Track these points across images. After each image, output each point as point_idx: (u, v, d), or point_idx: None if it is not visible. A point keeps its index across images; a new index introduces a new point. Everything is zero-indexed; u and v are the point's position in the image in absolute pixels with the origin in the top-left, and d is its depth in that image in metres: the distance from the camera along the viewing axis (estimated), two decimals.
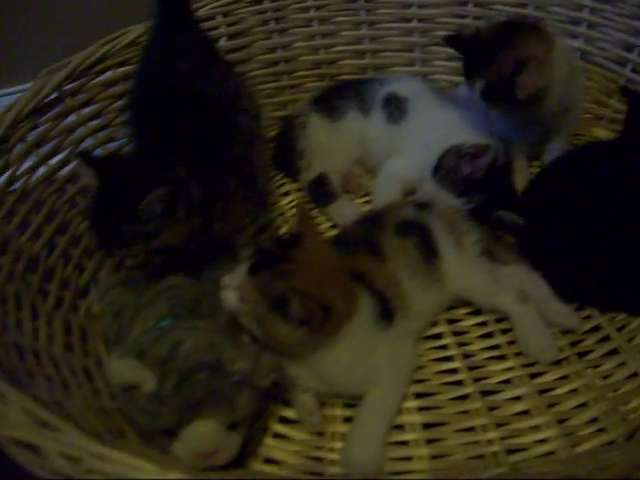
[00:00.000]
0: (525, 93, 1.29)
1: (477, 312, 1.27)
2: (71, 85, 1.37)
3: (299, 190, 1.60)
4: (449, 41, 1.42)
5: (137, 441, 1.00)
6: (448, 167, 1.37)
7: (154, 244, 1.10)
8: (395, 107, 1.54)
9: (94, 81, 1.41)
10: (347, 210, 1.47)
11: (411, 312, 1.14)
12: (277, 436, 1.11)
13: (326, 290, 0.97)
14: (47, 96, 1.32)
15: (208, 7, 1.60)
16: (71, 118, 1.38)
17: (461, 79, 1.71)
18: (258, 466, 1.07)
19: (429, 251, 1.20)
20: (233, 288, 0.99)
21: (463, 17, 1.74)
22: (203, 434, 0.93)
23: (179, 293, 1.15)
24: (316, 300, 0.94)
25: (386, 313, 1.08)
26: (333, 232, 1.47)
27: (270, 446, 1.09)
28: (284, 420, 1.13)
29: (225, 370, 0.94)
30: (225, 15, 1.63)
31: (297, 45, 1.74)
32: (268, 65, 1.72)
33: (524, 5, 1.71)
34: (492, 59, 1.30)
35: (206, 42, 1.40)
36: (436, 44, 1.78)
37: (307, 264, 0.98)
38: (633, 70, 1.68)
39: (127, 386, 0.94)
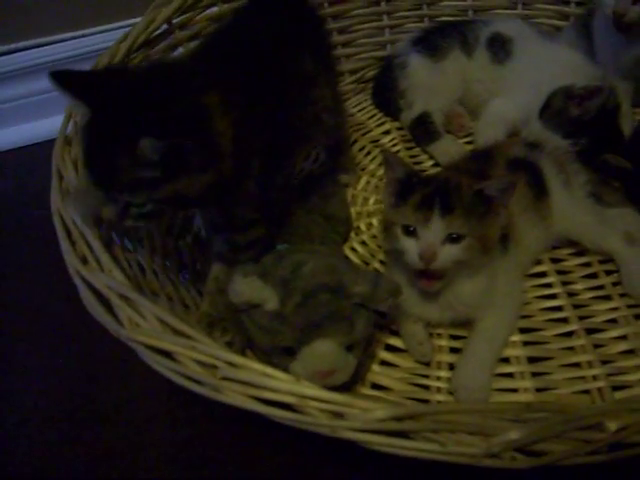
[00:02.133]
0: None
1: (581, 253, 1.27)
2: (179, 18, 1.39)
3: (399, 129, 1.60)
4: None
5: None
6: (557, 108, 1.37)
7: (163, 192, 0.90)
8: (500, 47, 1.53)
9: (201, 15, 1.44)
10: (451, 148, 1.47)
11: (521, 245, 1.15)
12: (384, 363, 1.13)
13: None
14: (158, 28, 1.34)
15: None
16: (179, 50, 1.40)
17: (562, 23, 1.70)
18: (366, 391, 1.09)
19: (539, 189, 1.20)
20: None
21: None
22: (323, 353, 0.95)
23: (290, 220, 1.18)
24: None
25: (503, 242, 1.10)
26: (436, 170, 1.47)
27: (377, 372, 1.12)
28: (390, 348, 1.15)
29: (346, 292, 0.97)
30: None
31: None
32: (369, 4, 1.72)
33: None
34: None
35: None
36: None
37: None
38: None
39: (250, 304, 0.97)
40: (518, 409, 0.80)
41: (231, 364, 0.80)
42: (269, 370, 0.79)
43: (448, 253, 0.99)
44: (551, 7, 1.75)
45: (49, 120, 1.85)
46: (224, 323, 1.06)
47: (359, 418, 0.74)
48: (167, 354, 0.83)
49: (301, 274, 0.97)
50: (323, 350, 0.95)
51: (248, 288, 0.96)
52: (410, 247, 1.00)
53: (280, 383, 0.78)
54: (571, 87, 1.36)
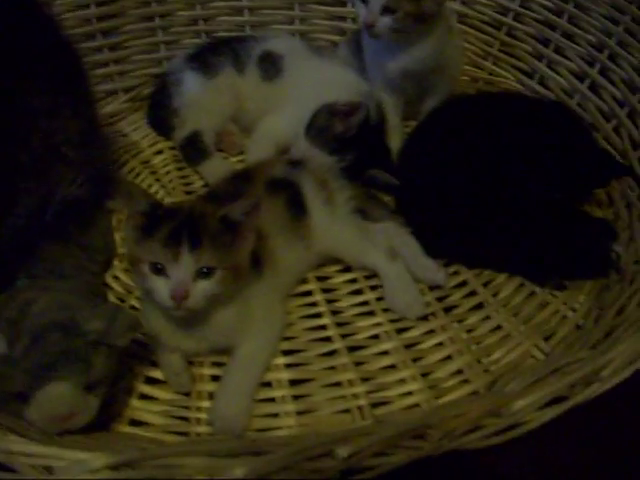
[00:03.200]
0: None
1: (347, 269, 1.28)
2: None
3: (172, 148, 1.57)
4: None
5: None
6: (320, 125, 1.37)
7: None
8: (270, 64, 1.52)
9: None
10: (219, 168, 1.45)
11: (279, 267, 1.13)
12: (143, 397, 1.09)
13: None
14: None
15: None
16: None
17: (339, 39, 1.73)
18: (123, 428, 1.04)
19: (297, 209, 1.20)
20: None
21: None
22: (58, 396, 0.89)
23: (40, 254, 1.11)
24: None
25: (256, 266, 1.08)
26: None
27: (136, 407, 1.07)
28: (151, 380, 1.11)
29: (79, 329, 0.91)
30: None
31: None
32: (142, 20, 1.67)
33: None
34: None
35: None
36: (316, 2, 1.77)
37: None
38: (508, 34, 1.72)
39: None
40: (244, 446, 0.78)
41: None
42: None
43: (201, 289, 0.96)
44: (328, 23, 1.77)
45: None
46: None
47: (71, 470, 0.70)
48: None
49: (30, 313, 0.91)
50: (58, 393, 0.89)
51: None
52: (160, 287, 0.96)
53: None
54: (334, 103, 1.37)
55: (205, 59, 1.55)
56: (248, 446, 0.77)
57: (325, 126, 1.37)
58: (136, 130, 1.63)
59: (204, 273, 0.96)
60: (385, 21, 1.31)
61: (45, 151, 1.10)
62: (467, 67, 1.76)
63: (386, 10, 1.30)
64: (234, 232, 0.99)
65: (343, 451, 0.74)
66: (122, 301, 1.23)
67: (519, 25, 1.69)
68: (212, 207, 1.01)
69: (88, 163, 1.19)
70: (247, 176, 1.23)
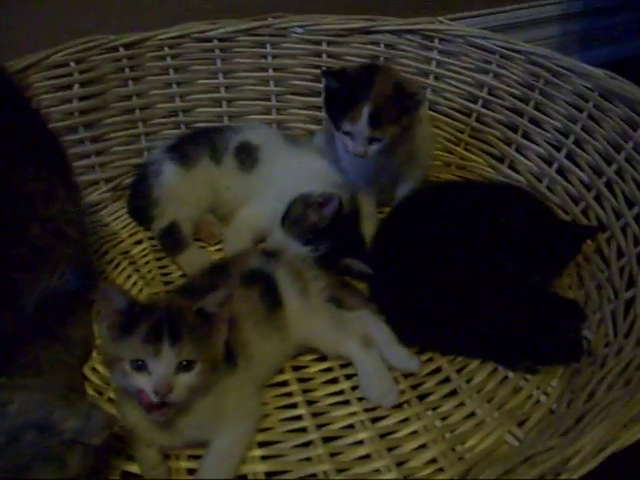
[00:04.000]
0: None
1: (323, 358, 1.29)
2: None
3: (152, 238, 1.60)
4: (326, 75, 1.44)
5: None
6: (295, 216, 1.41)
7: None
8: (247, 155, 1.57)
9: None
10: (196, 259, 1.47)
11: (253, 360, 1.15)
12: None
13: None
14: None
15: (61, 54, 1.61)
16: None
17: (316, 127, 1.78)
18: None
19: (272, 300, 1.22)
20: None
21: (317, 67, 1.80)
22: None
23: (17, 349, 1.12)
24: None
25: (230, 358, 1.09)
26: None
27: None
28: (127, 475, 1.10)
29: (55, 429, 0.92)
30: (78, 62, 1.64)
31: (153, 93, 1.75)
32: (123, 112, 1.73)
33: (376, 57, 1.79)
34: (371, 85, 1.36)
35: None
36: (292, 93, 1.82)
37: None
38: (478, 120, 1.78)
39: None
40: None
41: None
42: None
43: (183, 382, 0.98)
44: (304, 112, 1.83)
45: None
46: None
47: None
48: None
49: (7, 414, 0.92)
50: None
51: None
52: (142, 383, 0.97)
53: None
54: (308, 195, 1.41)
55: (183, 150, 1.59)
56: None
57: (300, 216, 1.40)
58: (116, 220, 1.66)
59: (184, 367, 0.98)
60: (374, 149, 1.39)
61: (46, 236, 1.13)
62: (439, 152, 1.83)
63: (373, 140, 1.37)
64: (210, 324, 1.01)
65: None
66: (100, 393, 1.23)
67: (488, 112, 1.76)
68: (187, 301, 1.03)
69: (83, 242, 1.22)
70: (223, 268, 1.25)
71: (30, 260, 1.13)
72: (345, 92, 1.38)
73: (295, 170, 1.53)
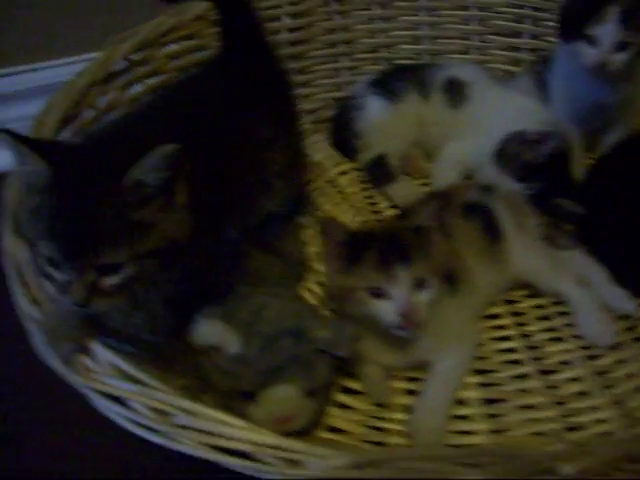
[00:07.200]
0: None
1: (534, 294, 1.29)
2: (139, 55, 1.38)
3: (356, 169, 1.62)
4: None
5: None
6: (510, 152, 1.40)
7: (149, 241, 0.84)
8: (455, 91, 1.56)
9: (160, 52, 1.43)
10: (408, 191, 1.49)
11: (474, 287, 1.17)
12: (341, 406, 1.13)
13: None
14: (115, 65, 1.33)
15: None
16: (138, 88, 1.40)
17: (515, 69, 1.75)
18: (323, 434, 1.09)
19: (492, 233, 1.23)
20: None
21: (521, 7, 1.76)
22: (283, 398, 0.95)
23: (248, 262, 1.17)
24: None
25: (452, 283, 1.11)
26: (392, 212, 1.49)
27: (334, 415, 1.11)
28: (347, 390, 1.15)
29: (308, 337, 0.97)
30: None
31: (357, 27, 1.76)
32: (327, 46, 1.74)
33: None
34: None
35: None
36: (493, 33, 1.79)
37: None
38: None
39: (211, 347, 0.97)
40: (474, 454, 0.80)
41: (186, 411, 0.79)
42: (225, 417, 0.78)
43: (421, 300, 1.01)
44: (504, 53, 1.79)
45: None
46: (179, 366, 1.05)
47: (317, 466, 0.74)
48: (119, 400, 0.82)
49: (264, 317, 0.98)
50: (284, 395, 0.96)
51: (211, 331, 0.96)
52: (384, 309, 1.00)
53: (236, 430, 0.77)
54: (524, 132, 1.39)
55: (389, 85, 1.60)
56: (479, 454, 0.79)
57: (515, 153, 1.39)
58: (319, 151, 1.69)
59: (419, 285, 1.00)
60: (620, 57, 1.33)
61: (255, 183, 1.17)
62: None
63: (620, 46, 1.32)
64: (429, 239, 1.04)
65: (569, 468, 0.75)
66: None
67: None
68: (402, 222, 1.05)
69: (288, 189, 1.26)
70: (443, 198, 1.26)
71: (258, 190, 1.17)
72: None
73: (505, 108, 1.51)
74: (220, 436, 0.77)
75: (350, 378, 1.15)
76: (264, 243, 1.26)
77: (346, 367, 1.14)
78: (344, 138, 1.64)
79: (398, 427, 1.10)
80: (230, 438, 0.76)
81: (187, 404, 0.79)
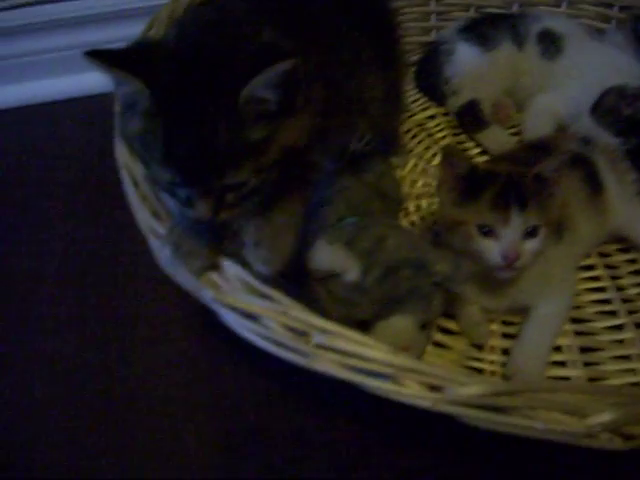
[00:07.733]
0: None
1: (627, 249, 1.30)
2: None
3: (444, 114, 1.62)
4: None
5: None
6: (609, 106, 1.39)
7: (271, 154, 0.81)
8: (550, 43, 1.54)
9: None
10: (501, 138, 1.49)
11: (576, 236, 1.17)
12: (437, 345, 1.14)
13: None
14: None
15: None
16: None
17: (605, 25, 1.72)
18: None
19: (594, 184, 1.23)
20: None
21: None
22: (400, 329, 0.96)
23: (350, 194, 1.16)
24: None
25: (557, 230, 1.11)
26: (482, 158, 1.49)
27: (431, 353, 1.12)
28: (443, 330, 1.17)
29: (427, 270, 0.98)
30: None
31: None
32: None
33: None
34: None
35: None
36: None
37: None
38: None
39: (329, 273, 0.97)
40: (610, 392, 0.81)
41: (325, 331, 0.79)
42: (366, 339, 0.78)
43: (529, 248, 1.01)
44: (595, 9, 1.76)
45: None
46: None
47: (459, 392, 0.75)
48: (254, 319, 0.82)
49: (385, 247, 0.98)
50: (400, 326, 0.96)
51: (332, 256, 0.97)
52: (489, 248, 1.01)
53: (377, 353, 0.77)
54: (624, 87, 1.38)
55: (482, 32, 1.59)
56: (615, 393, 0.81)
57: (613, 108, 1.38)
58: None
59: (530, 232, 1.01)
60: None
61: (354, 102, 1.14)
62: None
63: None
64: (546, 189, 1.03)
65: None
66: None
67: None
68: (524, 169, 1.05)
69: (383, 120, 1.25)
70: (545, 147, 1.26)
71: (356, 110, 1.16)
72: None
73: (602, 62, 1.49)
74: (360, 358, 0.77)
75: (446, 318, 1.17)
76: (362, 178, 1.26)
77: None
78: (431, 83, 1.63)
79: (492, 368, 1.12)
80: (370, 360, 0.77)
81: (326, 324, 0.79)
